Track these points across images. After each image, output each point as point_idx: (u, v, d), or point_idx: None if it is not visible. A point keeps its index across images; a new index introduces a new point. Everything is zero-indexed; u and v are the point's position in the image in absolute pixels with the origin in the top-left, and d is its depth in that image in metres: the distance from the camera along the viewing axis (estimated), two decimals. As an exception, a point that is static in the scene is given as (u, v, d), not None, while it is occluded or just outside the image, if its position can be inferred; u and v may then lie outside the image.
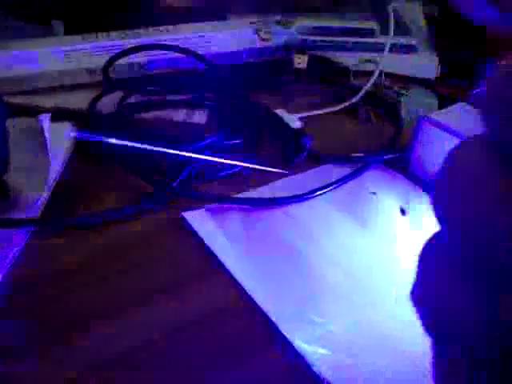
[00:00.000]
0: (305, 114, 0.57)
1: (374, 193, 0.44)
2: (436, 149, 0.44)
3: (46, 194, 0.44)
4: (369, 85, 0.60)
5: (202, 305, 0.36)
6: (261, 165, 0.49)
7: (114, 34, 0.60)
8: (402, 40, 0.66)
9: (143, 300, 0.36)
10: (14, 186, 0.44)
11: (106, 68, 0.55)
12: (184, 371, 0.32)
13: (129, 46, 0.57)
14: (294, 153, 0.51)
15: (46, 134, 0.46)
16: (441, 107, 0.58)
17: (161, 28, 0.62)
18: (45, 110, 0.52)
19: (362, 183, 0.46)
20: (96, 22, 0.63)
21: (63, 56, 0.58)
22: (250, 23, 0.63)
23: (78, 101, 0.56)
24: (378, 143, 0.54)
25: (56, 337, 0.33)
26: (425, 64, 0.66)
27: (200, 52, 0.59)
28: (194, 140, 0.50)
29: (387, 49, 0.62)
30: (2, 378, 0.31)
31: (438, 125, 0.43)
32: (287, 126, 0.54)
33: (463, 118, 0.46)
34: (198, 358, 0.32)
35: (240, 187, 0.46)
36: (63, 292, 0.36)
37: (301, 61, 0.64)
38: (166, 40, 0.59)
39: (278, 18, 0.65)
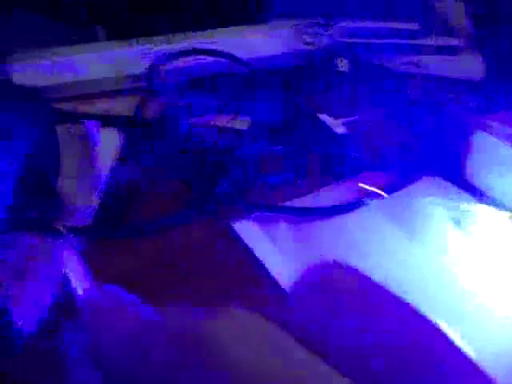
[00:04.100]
0: (349, 119, 0.56)
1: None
2: (490, 156, 0.43)
3: (96, 201, 0.44)
4: (411, 88, 0.59)
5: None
6: (305, 172, 0.48)
7: (156, 39, 0.61)
8: (446, 41, 0.65)
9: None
10: (64, 194, 0.45)
11: (150, 74, 0.56)
12: None
13: (171, 52, 0.57)
14: (339, 159, 0.51)
15: (96, 141, 0.46)
16: (488, 110, 0.57)
17: (202, 32, 0.62)
18: (89, 116, 0.53)
19: (414, 192, 0.45)
20: (137, 27, 0.64)
21: (107, 62, 0.58)
22: (292, 26, 0.63)
23: (122, 107, 0.56)
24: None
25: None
26: (469, 65, 0.65)
27: (241, 56, 0.58)
28: (238, 146, 0.50)
29: (431, 50, 0.61)
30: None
31: (492, 132, 0.42)
32: (331, 131, 0.53)
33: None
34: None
35: (287, 195, 0.46)
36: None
37: (343, 64, 0.63)
38: (208, 44, 0.59)
39: (319, 20, 0.64)
